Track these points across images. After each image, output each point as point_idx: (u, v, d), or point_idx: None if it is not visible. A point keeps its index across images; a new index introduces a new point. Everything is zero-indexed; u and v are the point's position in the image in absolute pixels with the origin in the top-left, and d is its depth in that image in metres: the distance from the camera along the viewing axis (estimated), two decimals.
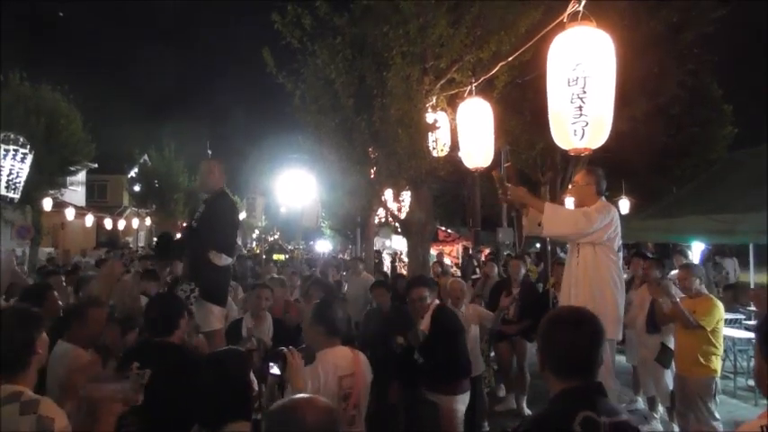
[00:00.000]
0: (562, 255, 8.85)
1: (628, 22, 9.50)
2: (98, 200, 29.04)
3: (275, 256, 19.03)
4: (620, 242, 3.77)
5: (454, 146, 5.87)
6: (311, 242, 30.28)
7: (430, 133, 6.23)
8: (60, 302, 3.92)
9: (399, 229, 11.68)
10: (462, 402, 4.13)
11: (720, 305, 4.76)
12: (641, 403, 6.29)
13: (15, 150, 5.68)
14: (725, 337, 5.29)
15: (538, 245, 14.60)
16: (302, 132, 9.50)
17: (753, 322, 8.02)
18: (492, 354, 6.90)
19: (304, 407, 1.49)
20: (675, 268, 7.74)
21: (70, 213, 20.26)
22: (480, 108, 4.87)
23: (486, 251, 15.27)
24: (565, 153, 3.60)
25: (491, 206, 15.27)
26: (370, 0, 6.41)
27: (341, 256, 21.17)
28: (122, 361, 2.79)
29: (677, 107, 14.39)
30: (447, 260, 16.01)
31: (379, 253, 17.17)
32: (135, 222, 26.59)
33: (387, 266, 15.64)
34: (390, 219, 12.47)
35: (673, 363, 5.20)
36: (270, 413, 1.55)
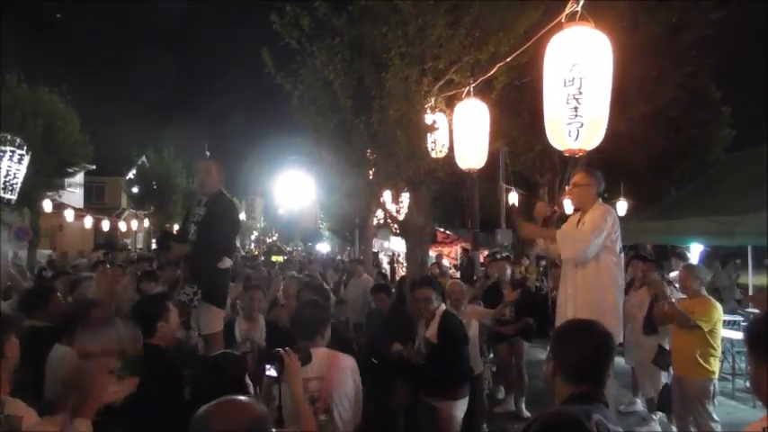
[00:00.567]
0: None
1: (626, 24, 9.52)
2: (96, 201, 28.98)
3: (274, 258, 18.99)
4: (621, 244, 3.76)
5: (452, 147, 5.86)
6: (310, 243, 30.30)
7: (428, 134, 6.22)
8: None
9: (398, 231, 11.66)
10: (462, 408, 4.08)
11: (719, 307, 4.75)
12: (640, 405, 6.28)
13: (12, 152, 5.66)
14: (723, 339, 5.28)
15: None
16: (301, 134, 9.49)
17: None
18: (491, 355, 6.89)
19: (217, 413, 1.45)
20: (673, 270, 7.74)
21: (68, 215, 20.22)
22: (477, 109, 4.87)
23: (485, 252, 15.25)
24: (563, 155, 3.61)
25: (490, 208, 15.26)
26: (369, 1, 6.40)
27: (339, 257, 21.13)
28: None
29: (676, 109, 14.40)
30: (446, 261, 15.99)
31: (376, 255, 17.15)
32: (134, 224, 26.55)
33: (384, 268, 15.61)
34: (389, 220, 12.47)
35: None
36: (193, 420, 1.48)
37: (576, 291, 3.81)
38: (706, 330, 4.58)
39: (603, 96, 3.06)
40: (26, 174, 6.49)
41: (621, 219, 3.90)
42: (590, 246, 3.54)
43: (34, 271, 12.10)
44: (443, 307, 4.18)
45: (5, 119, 13.10)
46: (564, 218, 4.38)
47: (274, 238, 49.04)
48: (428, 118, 6.18)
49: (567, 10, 3.10)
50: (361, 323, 7.10)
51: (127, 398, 2.24)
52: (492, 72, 5.45)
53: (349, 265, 11.50)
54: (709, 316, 4.62)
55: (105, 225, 23.58)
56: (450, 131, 5.86)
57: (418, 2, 5.98)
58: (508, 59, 5.03)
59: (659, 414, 5.74)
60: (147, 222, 28.00)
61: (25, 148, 5.90)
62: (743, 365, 7.20)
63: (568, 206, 6.36)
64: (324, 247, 27.54)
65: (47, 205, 16.88)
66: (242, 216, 22.20)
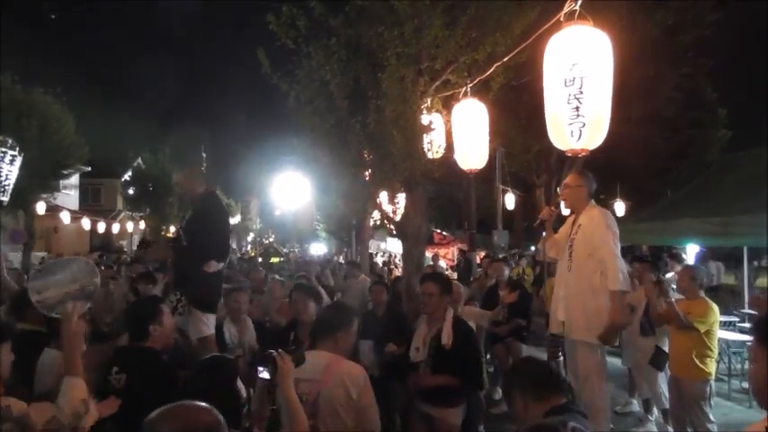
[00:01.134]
0: None
1: (624, 25, 9.53)
2: (92, 203, 28.91)
3: (273, 259, 18.96)
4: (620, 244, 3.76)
5: (449, 148, 5.84)
6: (306, 245, 30.25)
7: (425, 135, 6.20)
8: None
9: (394, 232, 11.64)
10: (460, 416, 3.86)
11: (716, 307, 4.74)
12: (636, 406, 6.27)
13: (4, 152, 5.61)
14: (719, 340, 5.27)
15: (533, 248, 14.59)
16: (297, 135, 9.46)
17: (747, 325, 8.02)
18: (488, 356, 6.88)
19: (170, 417, 1.43)
20: (669, 271, 7.74)
21: (64, 217, 20.14)
22: (475, 109, 4.86)
23: (482, 254, 15.25)
24: (560, 156, 3.60)
25: (486, 209, 15.26)
26: (365, 1, 6.37)
27: (336, 258, 21.11)
28: (102, 368, 2.78)
29: (672, 110, 14.44)
30: (442, 262, 15.99)
31: (372, 256, 17.14)
32: (129, 226, 26.48)
33: (381, 267, 15.60)
34: (385, 221, 12.44)
35: (667, 365, 5.19)
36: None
37: (568, 293, 3.80)
38: (702, 331, 4.57)
39: (605, 95, 3.04)
40: (20, 175, 6.44)
41: (618, 220, 3.88)
42: (617, 262, 3.55)
43: (29, 273, 12.02)
44: (451, 311, 3.94)
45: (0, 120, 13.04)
46: (561, 219, 4.37)
47: (271, 240, 48.99)
48: (424, 118, 6.16)
49: (566, 9, 3.08)
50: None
51: (121, 402, 2.22)
52: (489, 72, 5.44)
53: (346, 267, 11.47)
54: (706, 317, 4.62)
55: (101, 227, 23.50)
56: (447, 132, 5.85)
57: (414, 2, 5.95)
58: (505, 59, 5.01)
59: (655, 414, 5.73)
60: (142, 224, 27.92)
61: (17, 148, 5.85)
62: (738, 366, 7.20)
63: (564, 208, 6.35)
64: (320, 249, 27.45)
65: (41, 207, 16.80)
66: (238, 218, 22.17)
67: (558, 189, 4.70)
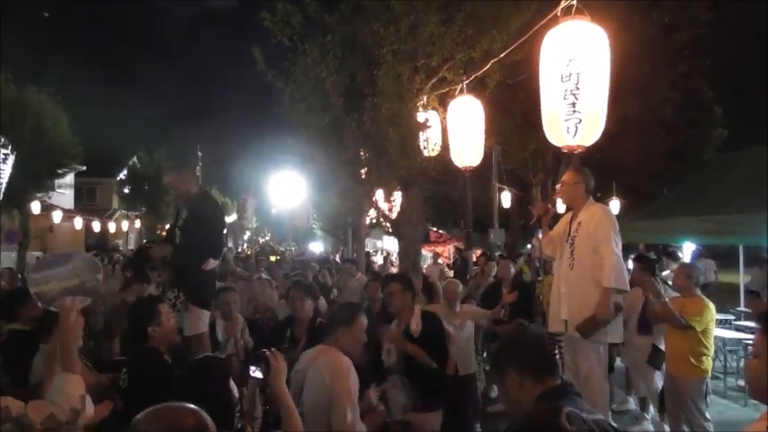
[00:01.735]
0: None
1: (621, 23, 9.52)
2: (87, 203, 28.77)
3: (271, 258, 18.90)
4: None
5: (445, 145, 5.82)
6: (303, 243, 30.20)
7: (421, 133, 6.18)
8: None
9: (391, 230, 11.62)
10: (438, 422, 3.78)
11: (712, 306, 4.72)
12: (632, 404, 6.26)
13: None
14: (715, 338, 5.27)
15: (529, 246, 14.59)
16: (292, 133, 9.43)
17: (743, 323, 8.03)
18: (485, 354, 6.85)
19: (155, 418, 1.41)
20: (665, 269, 7.74)
21: (58, 216, 20.04)
22: (471, 106, 4.83)
23: (478, 252, 15.25)
24: (556, 154, 3.58)
25: (483, 207, 15.24)
26: None
27: (332, 257, 21.07)
28: (111, 370, 2.81)
29: (669, 109, 14.44)
30: (439, 260, 16.01)
31: (368, 254, 17.13)
32: (125, 225, 26.37)
33: (377, 265, 15.58)
34: (382, 219, 12.43)
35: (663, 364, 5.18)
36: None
37: (569, 290, 3.77)
38: (699, 330, 4.56)
39: (601, 91, 3.02)
40: (15, 175, 6.39)
41: None
42: (615, 260, 3.53)
43: (24, 273, 11.96)
44: (418, 307, 3.96)
45: None
46: (557, 217, 4.34)
47: (267, 238, 48.87)
48: (420, 116, 6.14)
49: (563, 4, 3.06)
50: None
51: (123, 402, 2.20)
52: (485, 70, 5.43)
53: (342, 266, 11.44)
54: (702, 315, 4.60)
55: (96, 226, 23.40)
56: (443, 130, 5.83)
57: None
58: (501, 56, 5.00)
59: (651, 413, 5.72)
60: (138, 223, 27.81)
61: (9, 147, 5.79)
62: (734, 364, 7.20)
63: (561, 205, 6.34)
64: (317, 247, 27.42)
65: (36, 206, 16.69)
66: (234, 216, 22.09)
67: (555, 187, 4.68)
